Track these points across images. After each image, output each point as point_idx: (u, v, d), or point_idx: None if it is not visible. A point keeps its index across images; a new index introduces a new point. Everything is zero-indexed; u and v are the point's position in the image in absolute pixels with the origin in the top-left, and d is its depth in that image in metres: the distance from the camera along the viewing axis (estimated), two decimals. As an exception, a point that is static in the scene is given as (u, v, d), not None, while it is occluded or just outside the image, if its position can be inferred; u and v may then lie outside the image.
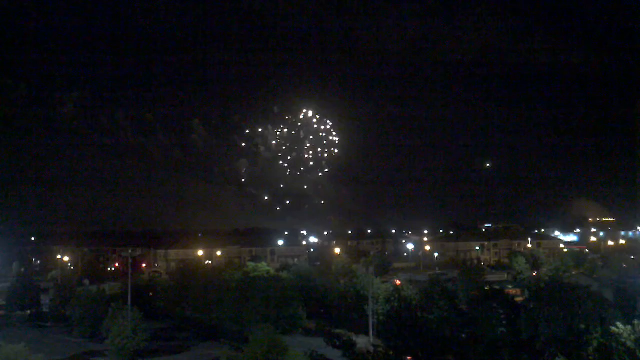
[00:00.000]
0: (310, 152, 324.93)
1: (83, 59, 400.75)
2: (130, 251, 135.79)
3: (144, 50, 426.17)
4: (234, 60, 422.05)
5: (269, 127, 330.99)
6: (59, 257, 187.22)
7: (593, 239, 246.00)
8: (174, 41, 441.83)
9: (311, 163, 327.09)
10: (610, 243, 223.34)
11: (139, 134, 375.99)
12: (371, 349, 74.31)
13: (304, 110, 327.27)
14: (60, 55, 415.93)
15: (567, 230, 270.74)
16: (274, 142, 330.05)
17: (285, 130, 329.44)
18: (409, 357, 70.21)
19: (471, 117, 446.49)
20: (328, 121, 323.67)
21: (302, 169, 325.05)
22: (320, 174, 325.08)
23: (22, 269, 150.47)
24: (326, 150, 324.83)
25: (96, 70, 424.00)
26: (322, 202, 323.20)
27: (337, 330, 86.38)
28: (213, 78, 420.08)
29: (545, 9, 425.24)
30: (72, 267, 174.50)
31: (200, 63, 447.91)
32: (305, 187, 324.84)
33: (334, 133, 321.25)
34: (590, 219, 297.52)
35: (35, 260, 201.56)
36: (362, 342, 78.80)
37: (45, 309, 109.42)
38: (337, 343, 77.27)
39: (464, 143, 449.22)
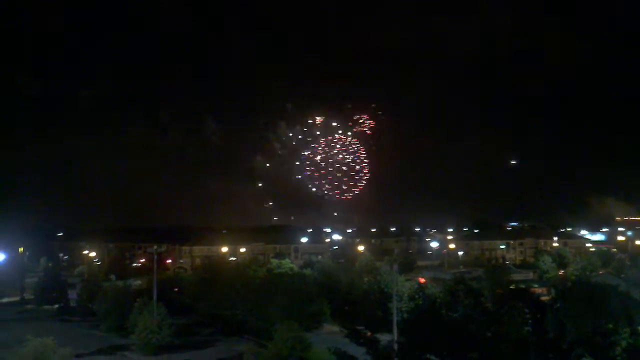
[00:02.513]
0: (332, 151, 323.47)
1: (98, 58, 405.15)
2: (155, 247, 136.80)
3: (158, 50, 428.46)
4: (249, 58, 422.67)
5: (283, 124, 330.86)
6: (85, 252, 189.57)
7: (621, 238, 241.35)
8: (189, 39, 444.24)
9: (333, 161, 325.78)
10: (638, 242, 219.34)
11: (156, 132, 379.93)
12: (395, 346, 73.97)
13: (316, 117, 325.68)
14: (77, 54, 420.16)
15: (594, 229, 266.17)
16: (290, 140, 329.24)
17: (303, 128, 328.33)
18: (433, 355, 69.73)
19: (498, 114, 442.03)
20: (336, 123, 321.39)
21: (322, 167, 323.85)
22: (341, 175, 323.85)
23: (50, 264, 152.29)
24: (345, 151, 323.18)
25: (112, 70, 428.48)
26: (345, 200, 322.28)
27: (361, 327, 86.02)
28: (228, 76, 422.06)
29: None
30: (98, 263, 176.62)
31: (214, 61, 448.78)
32: (324, 189, 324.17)
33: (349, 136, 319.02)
34: (617, 218, 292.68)
35: (63, 256, 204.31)
36: (386, 339, 78.44)
37: (72, 304, 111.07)
38: (361, 340, 76.87)
39: (489, 141, 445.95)
